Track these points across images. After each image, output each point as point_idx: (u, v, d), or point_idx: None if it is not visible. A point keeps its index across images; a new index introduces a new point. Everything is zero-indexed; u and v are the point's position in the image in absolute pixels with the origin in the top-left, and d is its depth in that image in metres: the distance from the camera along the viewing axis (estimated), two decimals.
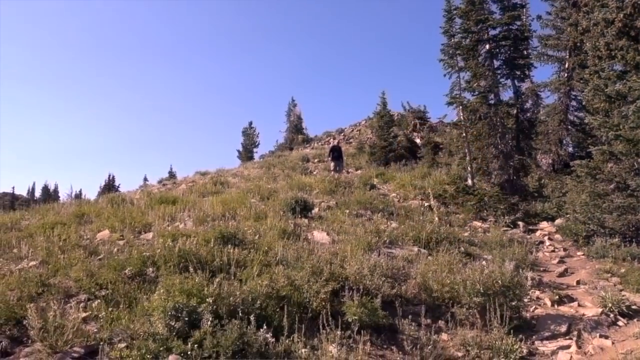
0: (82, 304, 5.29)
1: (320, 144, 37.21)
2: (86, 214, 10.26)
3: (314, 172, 20.60)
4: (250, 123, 46.60)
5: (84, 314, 4.98)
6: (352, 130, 37.60)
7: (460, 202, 14.43)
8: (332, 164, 19.92)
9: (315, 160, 24.70)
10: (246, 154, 44.54)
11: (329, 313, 5.21)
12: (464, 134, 17.11)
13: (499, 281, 6.12)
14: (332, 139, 32.43)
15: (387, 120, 26.97)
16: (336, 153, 19.77)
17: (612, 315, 6.60)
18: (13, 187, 71.38)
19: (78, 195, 36.18)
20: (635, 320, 6.52)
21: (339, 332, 4.88)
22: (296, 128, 44.57)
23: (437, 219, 11.72)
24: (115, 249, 7.14)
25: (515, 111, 17.81)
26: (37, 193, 70.29)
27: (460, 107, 17.32)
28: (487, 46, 17.62)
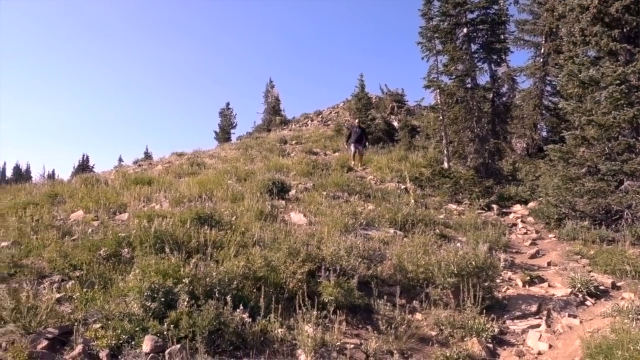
0: (55, 285, 5.23)
1: (298, 125, 37.04)
2: (59, 195, 10.08)
3: (292, 154, 20.50)
4: (228, 104, 46.22)
5: (57, 295, 4.91)
6: (330, 113, 37.48)
7: (436, 185, 14.59)
8: (351, 150, 17.92)
9: (293, 142, 24.58)
10: (223, 135, 44.15)
11: (306, 293, 5.26)
12: (441, 118, 17.24)
13: (473, 262, 6.24)
14: (352, 121, 24.60)
15: (365, 103, 27.01)
16: (356, 136, 17.70)
17: (580, 296, 6.80)
18: None
19: (51, 176, 35.41)
20: (602, 300, 6.73)
21: (315, 312, 4.93)
22: (274, 110, 44.24)
23: (413, 201, 11.84)
24: (90, 230, 7.04)
25: (491, 95, 17.97)
26: (9, 173, 68.55)
27: (438, 90, 17.41)
28: (465, 30, 17.67)
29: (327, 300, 5.39)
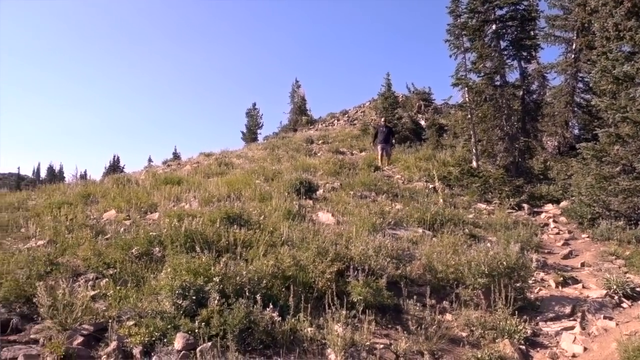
0: (90, 283, 5.36)
1: (324, 125, 37.04)
2: (92, 194, 10.31)
3: (318, 154, 20.50)
4: (254, 104, 46.37)
5: (92, 293, 5.03)
6: (357, 112, 37.37)
7: (464, 184, 14.40)
8: (378, 149, 17.39)
9: (320, 142, 24.57)
10: (250, 135, 44.39)
11: (334, 293, 5.25)
12: (469, 116, 17.00)
13: (504, 263, 6.14)
14: (378, 120, 23.79)
15: (392, 102, 26.83)
16: (383, 135, 17.24)
17: (616, 297, 6.63)
18: (18, 168, 71.76)
19: (83, 176, 36.20)
20: (639, 302, 6.55)
21: (344, 312, 4.92)
22: (300, 109, 44.29)
23: (441, 200, 11.72)
24: (122, 229, 7.17)
25: (521, 93, 17.62)
26: (43, 173, 70.64)
27: (466, 88, 17.17)
28: (494, 26, 17.38)
29: (356, 300, 5.38)
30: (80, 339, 4.25)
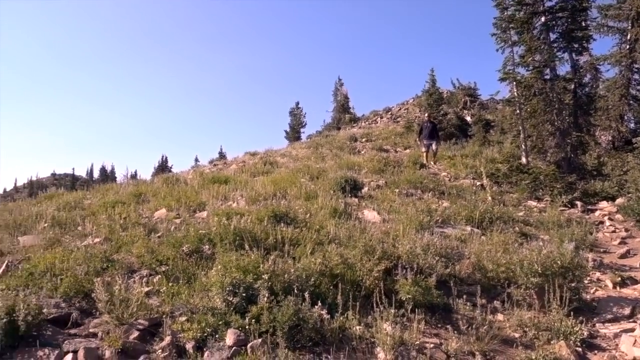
0: (144, 279, 5.51)
1: (367, 123, 36.89)
2: (143, 194, 10.64)
3: (362, 152, 20.43)
4: (297, 103, 46.69)
5: (146, 289, 5.18)
6: (400, 109, 37.04)
7: (514, 181, 14.02)
8: (423, 147, 17.03)
9: (363, 140, 24.47)
10: (293, 134, 44.73)
11: (382, 291, 5.21)
12: (518, 111, 16.55)
13: (558, 262, 5.93)
14: (422, 116, 23.22)
15: (437, 98, 26.46)
16: (427, 131, 16.84)
17: None
18: (73, 169, 75.28)
19: (133, 176, 37.45)
20: None
21: (392, 311, 4.87)
22: (343, 107, 44.33)
23: (490, 198, 11.46)
24: (173, 227, 7.37)
25: (572, 86, 17.04)
26: (96, 174, 73.56)
27: (514, 82, 16.72)
28: (543, 18, 16.86)
29: (404, 299, 5.33)
30: (136, 334, 4.39)
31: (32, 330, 4.21)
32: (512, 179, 14.13)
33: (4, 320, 4.01)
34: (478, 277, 6.47)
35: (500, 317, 5.73)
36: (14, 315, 4.09)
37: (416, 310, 5.09)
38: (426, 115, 19.23)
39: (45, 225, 8.04)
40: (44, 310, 4.49)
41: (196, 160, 50.03)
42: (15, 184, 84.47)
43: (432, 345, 4.74)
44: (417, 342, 4.67)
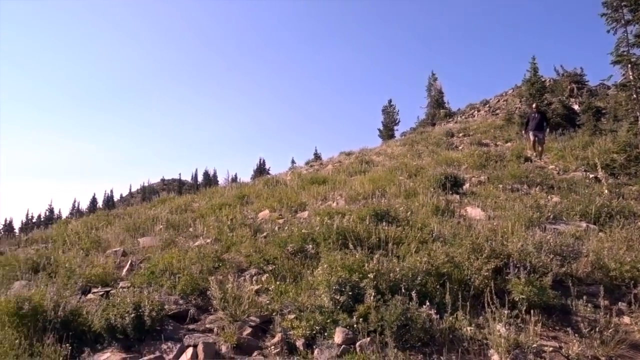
0: (253, 278, 5.74)
1: (463, 117, 35.72)
2: (246, 196, 11.07)
3: (460, 147, 19.77)
4: (390, 101, 46.17)
5: (256, 287, 5.38)
6: (499, 101, 35.44)
7: (632, 172, 12.85)
8: (530, 138, 16.31)
9: (460, 135, 23.69)
10: (387, 132, 44.34)
11: (493, 291, 4.99)
12: (634, 96, 15.14)
13: None
14: (531, 106, 19.36)
15: (539, 87, 24.92)
16: (535, 122, 16.12)
17: None
18: (180, 174, 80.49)
19: (234, 179, 39.19)
20: None
21: (505, 311, 4.65)
22: (437, 103, 43.17)
23: (606, 191, 10.59)
24: (277, 227, 7.59)
25: None
26: (200, 178, 78.05)
27: (629, 65, 15.31)
28: None
29: (517, 299, 5.06)
30: (248, 330, 4.57)
31: (156, 325, 4.53)
32: (631, 169, 12.96)
33: (132, 315, 4.35)
34: (598, 277, 5.99)
35: (626, 319, 5.26)
36: (140, 310, 4.42)
37: (531, 311, 4.81)
38: (534, 105, 18.04)
39: (161, 227, 8.64)
40: (165, 307, 4.81)
41: (292, 161, 51.27)
42: (130, 189, 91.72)
43: (550, 349, 4.45)
44: (534, 345, 4.41)
